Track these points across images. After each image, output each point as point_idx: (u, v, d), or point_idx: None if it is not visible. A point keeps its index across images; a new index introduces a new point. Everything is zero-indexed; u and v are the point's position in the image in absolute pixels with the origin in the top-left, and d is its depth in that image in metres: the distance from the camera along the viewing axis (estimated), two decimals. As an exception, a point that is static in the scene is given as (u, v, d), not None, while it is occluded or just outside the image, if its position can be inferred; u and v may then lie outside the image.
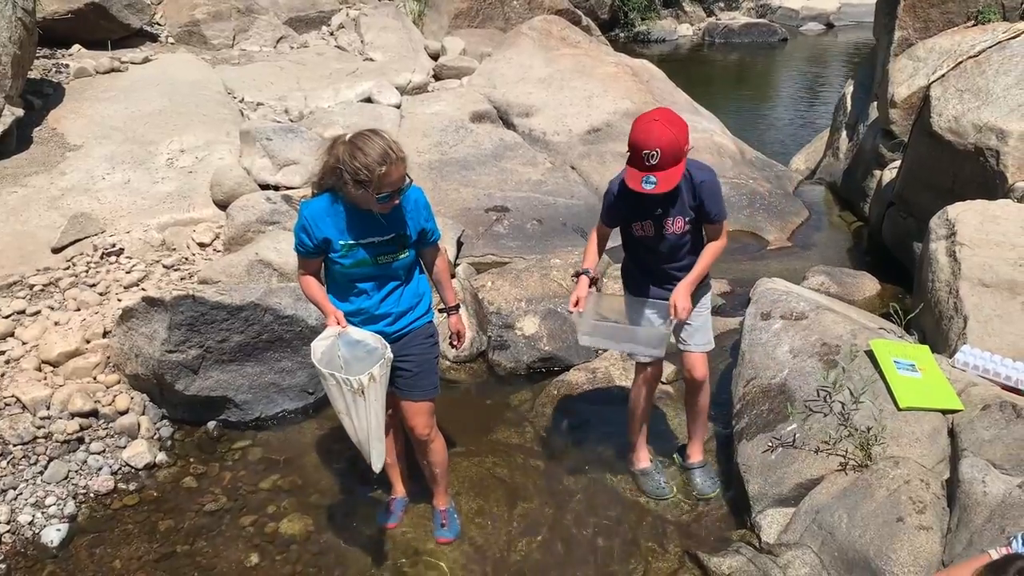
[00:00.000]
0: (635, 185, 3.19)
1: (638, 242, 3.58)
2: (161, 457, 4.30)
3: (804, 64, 15.73)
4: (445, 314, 3.61)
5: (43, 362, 4.64)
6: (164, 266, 5.65)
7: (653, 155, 3.10)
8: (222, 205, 6.25)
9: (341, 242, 3.12)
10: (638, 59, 9.91)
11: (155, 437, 4.43)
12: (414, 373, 3.36)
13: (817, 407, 3.77)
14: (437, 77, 9.69)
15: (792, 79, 14.62)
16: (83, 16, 8.98)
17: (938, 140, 5.68)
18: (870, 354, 3.93)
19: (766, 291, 4.74)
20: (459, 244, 6.28)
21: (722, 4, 19.35)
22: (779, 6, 18.96)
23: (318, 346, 3.07)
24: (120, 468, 4.19)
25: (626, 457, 4.09)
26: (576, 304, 3.51)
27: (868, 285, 5.88)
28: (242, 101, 8.38)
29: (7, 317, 4.96)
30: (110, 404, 4.45)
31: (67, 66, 8.31)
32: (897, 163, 6.70)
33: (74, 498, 3.99)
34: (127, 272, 5.52)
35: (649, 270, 3.63)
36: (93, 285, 5.36)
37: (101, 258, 5.65)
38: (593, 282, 3.60)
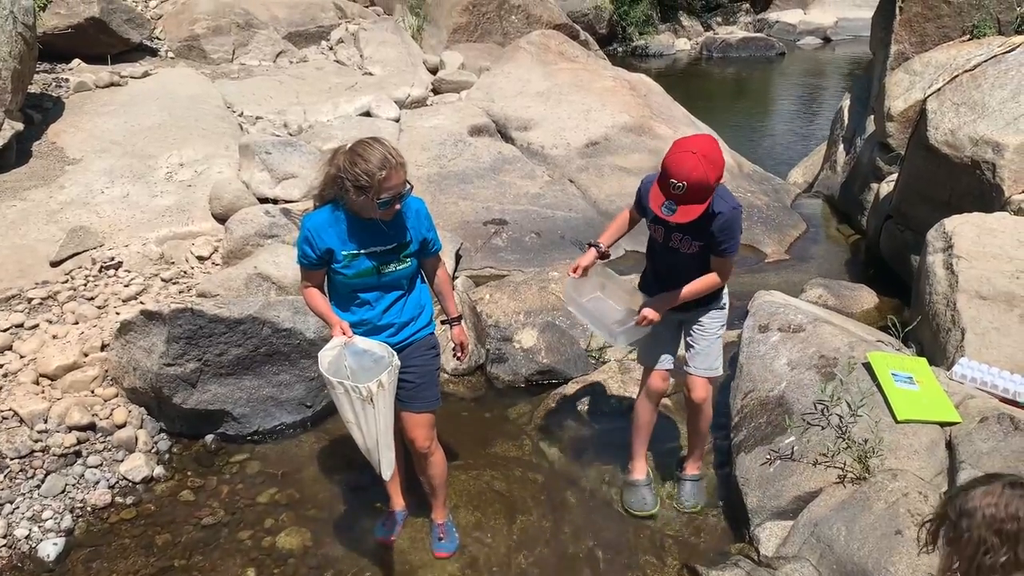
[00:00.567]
0: (655, 207, 3.19)
1: (651, 244, 3.63)
2: (159, 471, 4.29)
3: (801, 78, 15.79)
4: (447, 325, 3.61)
5: (41, 375, 4.64)
6: (163, 279, 5.66)
7: (680, 187, 3.07)
8: (221, 219, 6.26)
9: (344, 252, 3.14)
10: (636, 73, 9.95)
11: (153, 451, 4.42)
12: (416, 384, 3.37)
13: (815, 420, 3.77)
14: (436, 91, 9.73)
15: (789, 93, 14.68)
16: (83, 31, 9.01)
17: (935, 153, 5.70)
18: (868, 366, 3.93)
19: (764, 303, 4.75)
20: (458, 257, 6.29)
21: (720, 19, 19.45)
22: (776, 21, 19.05)
23: (325, 356, 3.08)
24: (117, 482, 4.18)
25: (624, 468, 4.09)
26: (575, 270, 3.56)
27: (866, 298, 5.89)
28: (241, 115, 8.40)
29: (5, 330, 4.96)
30: (108, 417, 4.45)
31: (67, 80, 8.34)
32: (894, 176, 6.72)
33: (71, 512, 3.97)
34: (125, 286, 5.52)
35: (657, 278, 3.63)
36: (91, 298, 5.37)
37: (99, 271, 5.65)
38: (602, 256, 3.65)
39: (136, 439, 4.39)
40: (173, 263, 5.89)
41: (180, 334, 4.25)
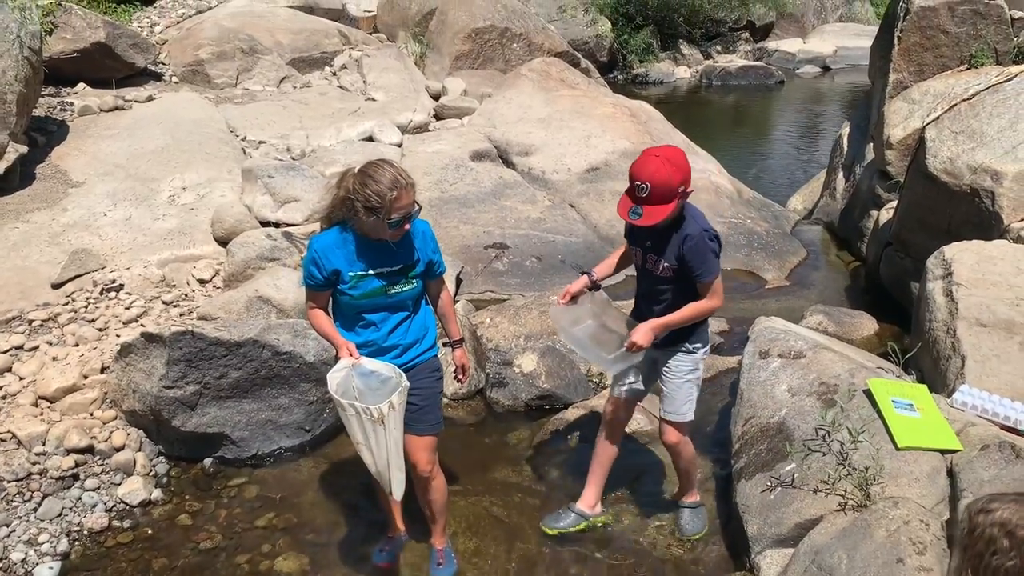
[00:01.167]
0: (622, 213, 3.24)
1: (636, 269, 3.62)
2: (156, 494, 4.27)
3: (801, 106, 15.89)
4: (449, 348, 3.62)
5: (40, 397, 4.63)
6: (163, 302, 5.66)
7: (643, 188, 3.14)
8: (223, 242, 6.28)
9: (351, 273, 3.16)
10: (636, 100, 10.02)
11: (151, 474, 4.40)
12: (419, 407, 3.36)
13: (816, 446, 3.76)
14: (438, 117, 9.80)
15: (789, 121, 14.76)
16: (89, 55, 9.09)
17: (934, 181, 5.73)
18: (868, 393, 3.92)
19: (764, 330, 4.75)
20: (458, 281, 6.30)
21: (719, 47, 19.59)
22: (776, 49, 19.19)
23: (334, 378, 3.09)
24: (115, 505, 4.16)
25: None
26: (564, 296, 3.56)
27: (866, 324, 5.89)
28: (244, 139, 8.45)
29: (5, 352, 4.96)
30: (106, 440, 4.43)
31: (72, 104, 8.40)
32: (893, 203, 6.75)
33: (67, 535, 3.95)
34: (126, 308, 5.52)
35: (644, 303, 3.63)
36: (92, 321, 5.37)
37: (100, 294, 5.66)
38: (593, 286, 3.64)
39: (134, 462, 4.37)
40: (174, 286, 5.89)
41: (180, 356, 4.24)
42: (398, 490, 3.18)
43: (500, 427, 4.86)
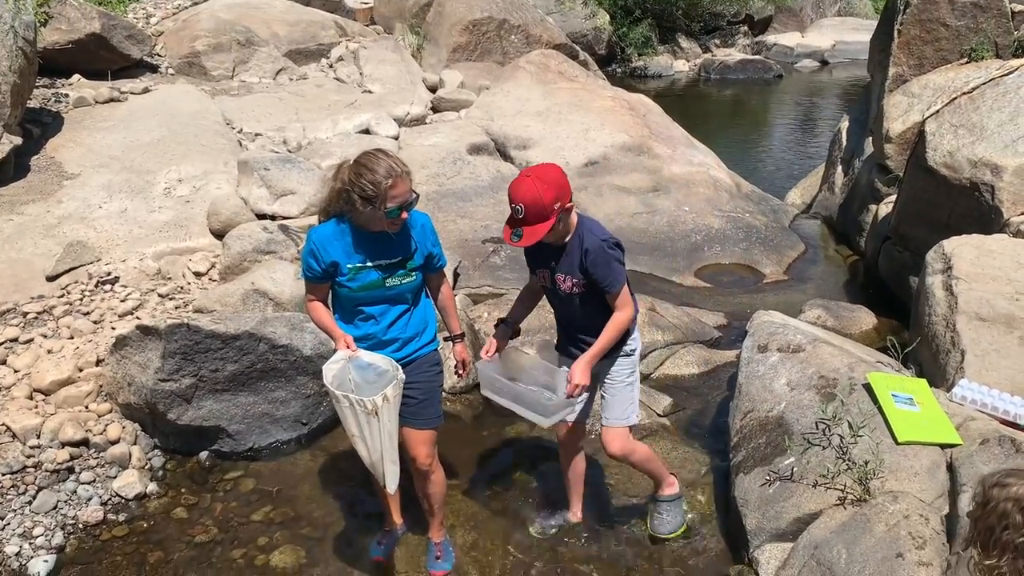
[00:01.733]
0: (505, 237, 3.20)
1: (547, 296, 3.53)
2: (152, 487, 4.24)
3: (799, 100, 15.86)
4: (450, 343, 3.59)
5: (35, 390, 4.60)
6: (159, 295, 5.63)
7: (519, 209, 3.10)
8: (219, 234, 6.25)
9: (349, 265, 3.14)
10: (635, 93, 9.99)
11: (146, 467, 4.38)
12: (419, 401, 3.34)
13: (815, 440, 3.74)
14: (435, 109, 9.75)
15: (787, 115, 14.74)
16: (84, 46, 9.02)
17: (933, 175, 5.71)
18: (868, 387, 3.91)
19: (763, 324, 4.73)
20: (456, 275, 6.28)
21: (718, 41, 19.55)
22: (774, 43, 19.15)
23: (329, 369, 3.08)
24: (110, 498, 4.14)
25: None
26: (488, 351, 3.46)
27: (864, 319, 5.87)
28: (240, 132, 8.41)
29: (0, 344, 4.93)
30: (101, 433, 4.41)
31: (67, 95, 8.35)
32: (892, 198, 6.73)
33: (62, 529, 3.93)
34: (122, 301, 5.49)
35: (562, 327, 3.58)
36: (87, 313, 5.34)
37: (96, 286, 5.63)
38: (515, 333, 3.57)
39: (130, 455, 4.35)
40: (170, 278, 5.86)
41: (176, 349, 4.22)
42: (392, 483, 3.17)
43: (498, 421, 4.84)
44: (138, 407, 4.41)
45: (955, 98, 6.10)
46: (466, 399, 5.04)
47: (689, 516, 3.96)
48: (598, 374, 3.52)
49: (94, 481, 4.20)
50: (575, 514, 3.94)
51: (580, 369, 3.27)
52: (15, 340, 5.01)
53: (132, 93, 8.69)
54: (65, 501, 4.06)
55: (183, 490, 4.26)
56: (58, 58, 8.83)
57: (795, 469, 3.68)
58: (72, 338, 5.08)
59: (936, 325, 4.57)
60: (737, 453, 4.04)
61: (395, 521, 3.78)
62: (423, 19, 12.10)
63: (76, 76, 9.02)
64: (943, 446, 3.61)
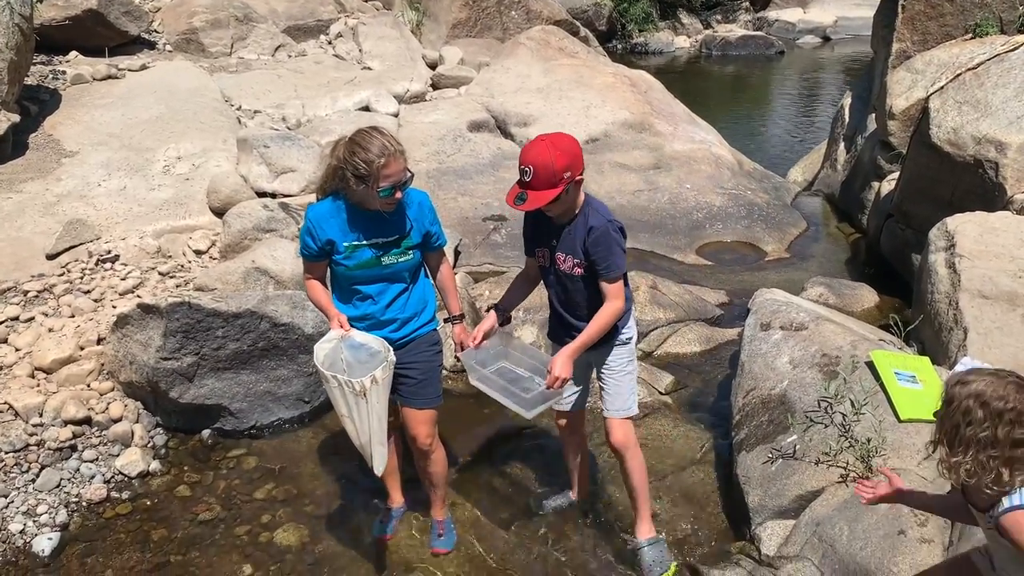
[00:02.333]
0: (509, 199, 3.08)
1: (544, 278, 3.38)
2: (155, 465, 4.25)
3: (801, 76, 15.77)
4: (450, 324, 3.54)
5: (36, 369, 4.59)
6: (160, 273, 5.61)
7: (527, 171, 2.99)
8: (219, 212, 6.22)
9: (345, 243, 3.12)
10: (636, 70, 9.92)
11: (149, 445, 4.39)
12: (418, 381, 3.34)
13: (817, 418, 3.75)
14: (435, 86, 9.69)
15: (789, 91, 14.66)
16: (81, 23, 8.95)
17: (937, 152, 5.68)
18: (871, 365, 3.90)
19: (765, 301, 4.72)
20: (456, 253, 6.26)
21: (719, 17, 19.42)
22: (776, 19, 19.02)
23: (321, 349, 3.06)
24: (113, 476, 4.15)
25: None
26: (474, 337, 3.31)
27: (867, 296, 5.86)
28: (239, 109, 8.36)
29: (1, 323, 4.92)
30: (104, 412, 4.41)
31: (64, 72, 8.29)
32: (895, 175, 6.70)
33: (66, 507, 3.94)
34: (122, 279, 5.48)
35: (555, 312, 3.40)
36: (88, 292, 5.32)
37: (96, 265, 5.61)
38: (504, 321, 3.44)
39: (132, 433, 4.35)
40: (170, 257, 5.85)
41: (177, 328, 4.21)
42: (379, 465, 3.15)
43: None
44: (140, 385, 4.41)
45: (959, 74, 6.05)
46: (467, 377, 5.03)
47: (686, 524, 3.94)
48: (592, 363, 3.46)
49: (97, 459, 4.20)
50: (576, 493, 3.93)
51: (560, 361, 3.11)
52: (16, 319, 5.00)
53: (130, 70, 8.63)
54: (68, 479, 4.07)
55: (186, 468, 4.27)
56: (55, 35, 8.77)
57: (797, 447, 3.69)
58: (73, 316, 5.07)
59: (939, 303, 4.56)
60: (739, 431, 4.04)
61: (397, 499, 3.79)
62: (422, -6, 12.00)
63: (73, 53, 8.95)
64: (945, 424, 3.60)
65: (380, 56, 10.20)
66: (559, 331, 3.41)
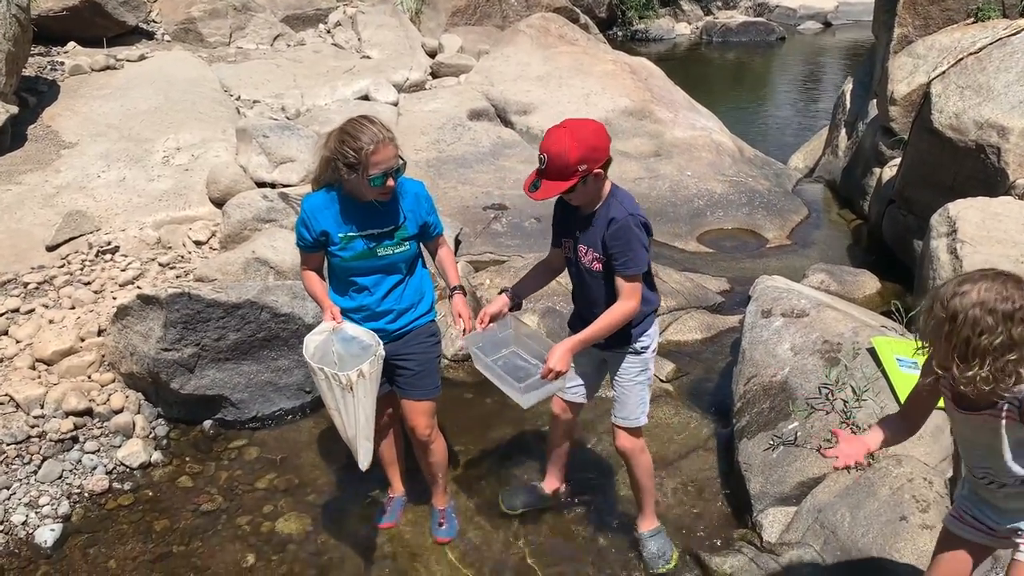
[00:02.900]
0: (525, 186, 2.95)
1: (568, 266, 3.26)
2: (156, 456, 4.25)
3: (802, 62, 15.71)
4: (448, 299, 3.40)
5: (37, 360, 4.59)
6: (160, 264, 5.61)
7: (542, 159, 2.86)
8: (218, 203, 6.21)
9: (340, 234, 3.10)
10: (636, 57, 9.88)
11: (150, 436, 4.39)
12: (415, 372, 3.33)
13: (819, 405, 3.74)
14: (434, 75, 9.66)
15: (790, 77, 14.61)
16: (78, 13, 8.93)
17: (939, 137, 5.65)
18: (872, 351, 3.90)
19: (767, 288, 4.71)
20: (457, 242, 6.25)
21: (720, 3, 19.32)
22: (777, 5, 18.92)
23: (311, 341, 3.05)
24: (115, 467, 4.15)
25: None
26: (481, 319, 3.19)
27: (868, 283, 5.85)
28: (238, 99, 8.34)
29: (1, 315, 4.92)
30: (105, 403, 4.41)
31: (62, 63, 8.27)
32: (897, 160, 6.67)
33: (68, 498, 3.94)
34: (122, 270, 5.47)
35: (577, 304, 3.31)
36: (88, 283, 5.32)
37: (96, 256, 5.61)
38: (515, 305, 3.32)
39: (134, 425, 4.36)
40: (170, 247, 5.84)
41: (177, 319, 4.20)
42: (364, 460, 3.13)
43: (501, 388, 4.84)
44: (141, 376, 4.41)
45: (961, 59, 6.01)
46: (468, 365, 5.03)
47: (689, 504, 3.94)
48: (604, 363, 3.38)
49: (98, 450, 4.20)
50: (549, 486, 3.82)
51: (559, 354, 2.98)
52: (16, 310, 4.99)
53: (128, 60, 8.60)
54: (70, 470, 4.07)
55: (188, 459, 4.27)
56: (53, 25, 8.75)
57: (799, 434, 3.68)
58: (73, 308, 5.06)
59: (940, 289, 4.54)
60: (741, 418, 4.04)
61: (398, 489, 3.79)
62: (421, -17, 11.95)
63: (71, 44, 8.93)
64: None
65: (379, 45, 10.16)
66: (578, 323, 3.24)
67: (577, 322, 3.28)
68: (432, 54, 10.17)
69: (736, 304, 5.55)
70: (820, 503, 3.36)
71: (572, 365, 3.12)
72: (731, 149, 8.13)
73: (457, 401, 4.65)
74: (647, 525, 3.56)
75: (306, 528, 3.78)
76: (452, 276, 3.40)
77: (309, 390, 4.60)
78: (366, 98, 8.54)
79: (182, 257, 5.75)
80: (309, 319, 4.47)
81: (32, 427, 4.18)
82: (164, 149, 6.88)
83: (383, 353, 3.07)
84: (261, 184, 6.50)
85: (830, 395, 3.74)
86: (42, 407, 4.28)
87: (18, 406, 4.28)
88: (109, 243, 5.72)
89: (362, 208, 3.10)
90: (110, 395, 4.46)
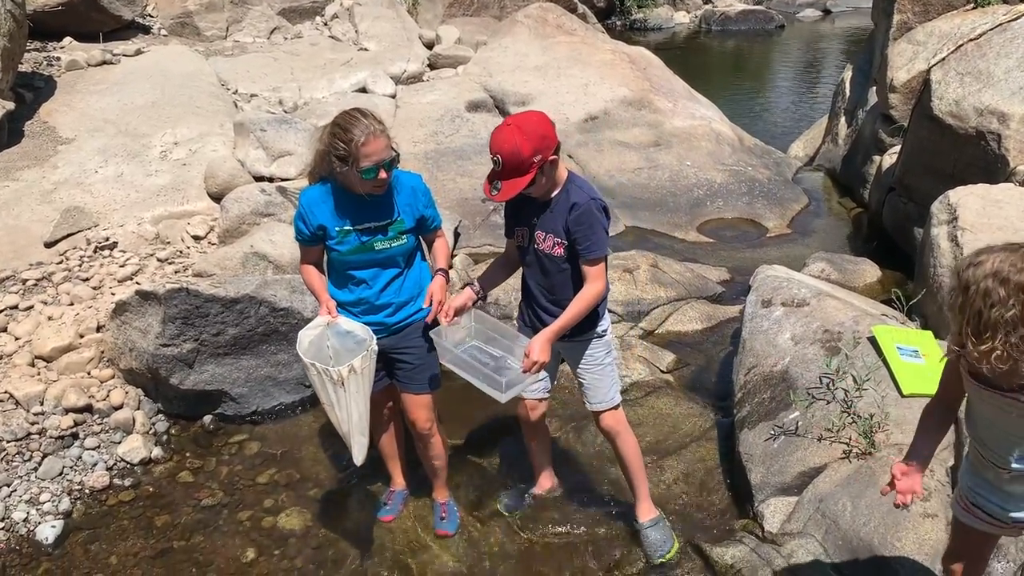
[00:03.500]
0: (485, 191, 2.97)
1: (522, 259, 3.24)
2: (157, 452, 4.25)
3: (802, 50, 15.66)
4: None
5: (36, 357, 4.59)
6: (158, 259, 5.60)
7: (497, 160, 2.89)
8: (216, 197, 6.20)
9: (337, 228, 3.10)
10: (635, 47, 9.84)
11: (150, 432, 4.39)
12: (414, 366, 3.32)
13: (820, 394, 3.73)
14: (432, 66, 9.62)
15: (790, 66, 14.56)
16: (74, 8, 8.89)
17: (939, 124, 5.63)
18: (873, 340, 3.89)
19: (767, 278, 4.70)
20: (456, 235, 6.23)
21: (718, -9, 19.26)
22: (775, -8, 18.90)
23: (305, 336, 3.05)
24: (115, 464, 4.15)
25: None
26: (447, 313, 3.13)
27: (869, 271, 5.83)
28: (236, 93, 8.31)
29: (0, 312, 4.91)
30: (104, 399, 4.41)
31: (58, 59, 8.24)
32: (897, 148, 6.65)
33: (69, 494, 3.94)
34: (121, 266, 5.46)
35: (530, 295, 3.25)
36: (86, 279, 5.31)
37: (94, 252, 5.60)
38: (481, 298, 3.29)
39: (134, 420, 4.35)
40: (168, 243, 5.83)
41: (176, 314, 4.20)
42: (359, 455, 3.13)
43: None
44: (140, 372, 4.41)
45: (961, 45, 5.98)
46: (469, 359, 5.02)
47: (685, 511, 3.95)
48: (564, 356, 3.37)
49: (99, 447, 4.20)
50: (541, 487, 3.83)
51: (539, 345, 2.97)
52: (15, 307, 4.99)
53: (125, 55, 8.58)
54: (71, 467, 4.07)
55: (188, 454, 4.27)
56: (48, 20, 8.71)
57: (800, 423, 3.67)
58: (72, 304, 5.06)
59: (941, 277, 4.53)
60: (741, 408, 4.03)
61: (398, 483, 3.79)
62: (418, -26, 11.90)
63: (67, 39, 8.90)
64: (948, 398, 3.59)
65: (376, 37, 10.12)
66: (531, 317, 3.26)
67: (531, 316, 3.27)
68: (429, 45, 10.13)
69: (736, 294, 5.54)
70: (821, 493, 3.36)
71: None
72: (731, 138, 8.10)
73: (457, 394, 4.62)
74: (646, 514, 3.54)
75: (307, 522, 3.78)
76: (440, 260, 3.33)
77: (308, 384, 4.57)
78: (364, 90, 8.51)
79: (180, 252, 5.73)
80: (308, 313, 4.46)
81: (32, 424, 4.18)
82: (161, 144, 6.86)
83: (376, 348, 3.06)
84: (259, 178, 6.48)
85: (831, 384, 3.72)
86: (42, 404, 4.28)
87: (18, 403, 4.28)
88: (107, 239, 5.71)
89: (358, 202, 3.09)
90: (110, 391, 4.46)
